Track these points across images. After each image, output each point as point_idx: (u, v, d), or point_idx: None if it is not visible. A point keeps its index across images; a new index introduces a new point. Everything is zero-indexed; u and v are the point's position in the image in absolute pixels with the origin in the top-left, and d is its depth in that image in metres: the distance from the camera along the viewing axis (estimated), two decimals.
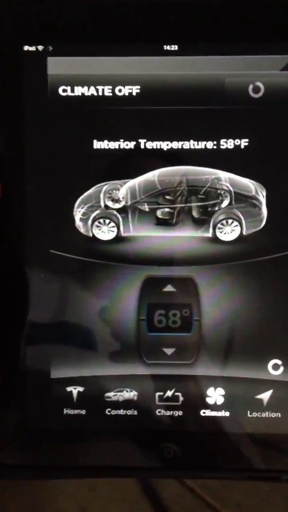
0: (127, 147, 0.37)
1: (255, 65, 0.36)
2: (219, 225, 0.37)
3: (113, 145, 0.37)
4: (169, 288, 0.37)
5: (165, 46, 0.36)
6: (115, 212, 0.38)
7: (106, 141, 0.37)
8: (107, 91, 0.37)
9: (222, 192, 0.37)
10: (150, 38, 0.36)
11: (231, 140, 0.37)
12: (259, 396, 0.37)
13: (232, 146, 0.37)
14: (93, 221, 0.37)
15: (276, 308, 0.37)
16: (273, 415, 0.37)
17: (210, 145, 0.37)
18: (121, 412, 0.37)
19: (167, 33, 0.36)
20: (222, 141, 0.37)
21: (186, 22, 0.36)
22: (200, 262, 0.37)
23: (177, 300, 0.37)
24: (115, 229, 0.38)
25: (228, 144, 0.37)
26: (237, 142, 0.37)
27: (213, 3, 0.36)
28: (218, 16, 0.36)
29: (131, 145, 0.37)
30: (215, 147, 0.37)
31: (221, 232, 0.37)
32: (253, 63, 0.36)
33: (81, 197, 0.37)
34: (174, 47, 0.36)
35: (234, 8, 0.36)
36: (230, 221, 0.37)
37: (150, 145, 0.37)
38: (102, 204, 0.38)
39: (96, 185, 0.37)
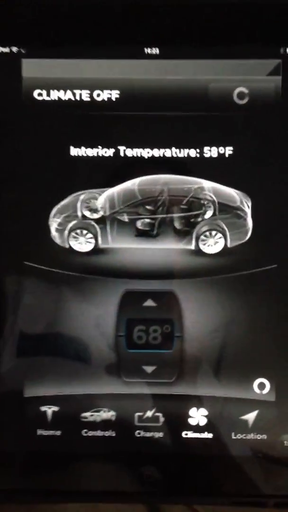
0: (105, 155, 0.35)
1: (240, 70, 0.35)
2: (202, 237, 0.36)
3: (91, 152, 0.35)
4: (149, 302, 0.35)
5: (146, 49, 0.35)
6: (93, 223, 0.36)
7: (83, 148, 0.35)
8: (85, 95, 0.35)
9: (205, 202, 0.36)
10: (131, 40, 0.34)
11: (215, 148, 0.35)
12: (244, 417, 0.35)
13: (216, 154, 0.35)
14: (70, 231, 0.35)
15: (262, 324, 0.35)
16: (259, 437, 0.35)
17: (193, 153, 0.35)
18: (98, 433, 0.35)
19: (148, 35, 0.34)
20: (205, 149, 0.35)
21: (167, 24, 0.34)
22: (182, 276, 0.35)
23: (157, 315, 0.35)
24: (93, 241, 0.36)
25: (212, 152, 0.35)
26: (221, 150, 0.35)
27: (196, 5, 0.34)
28: (202, 18, 0.34)
29: (110, 152, 0.35)
30: (198, 155, 0.35)
31: (204, 244, 0.36)
32: (238, 67, 0.35)
33: (57, 206, 0.35)
34: (156, 50, 0.35)
35: (218, 11, 0.35)
36: (213, 232, 0.36)
37: (130, 152, 0.35)
38: (79, 214, 0.36)
39: (73, 194, 0.35)
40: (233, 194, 0.35)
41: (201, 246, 0.36)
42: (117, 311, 0.35)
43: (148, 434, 0.35)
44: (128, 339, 0.35)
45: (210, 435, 0.35)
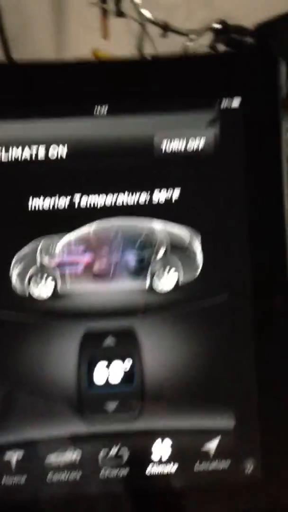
0: (62, 203, 0.37)
1: (182, 122, 0.38)
2: (155, 275, 0.38)
3: (48, 202, 0.37)
4: (109, 341, 0.37)
5: (95, 108, 0.37)
6: (51, 269, 0.38)
7: (41, 198, 0.37)
8: (41, 151, 0.37)
9: (157, 243, 0.38)
10: (79, 100, 0.37)
11: (164, 190, 0.38)
12: (206, 446, 0.37)
13: (164, 197, 0.38)
14: (30, 278, 0.37)
15: (218, 354, 0.37)
16: (221, 465, 0.37)
17: (143, 197, 0.38)
18: (64, 476, 0.35)
19: (96, 95, 0.37)
20: (155, 192, 0.38)
21: (114, 84, 0.38)
22: (139, 313, 0.37)
23: (118, 353, 0.37)
24: (52, 286, 0.37)
25: (161, 194, 0.38)
26: (170, 192, 0.38)
27: (138, 65, 0.38)
28: (146, 76, 0.38)
29: (66, 200, 0.37)
30: (148, 198, 0.38)
31: (158, 282, 0.38)
32: (180, 120, 0.38)
33: (17, 255, 0.37)
34: (104, 108, 0.38)
35: (160, 69, 0.38)
36: (166, 270, 0.38)
37: (85, 199, 0.38)
38: (38, 261, 0.37)
39: (32, 241, 0.37)
40: (183, 232, 0.38)
41: (155, 284, 0.38)
42: (78, 352, 0.36)
43: (113, 472, 0.36)
44: (89, 378, 0.36)
45: (174, 468, 0.36)
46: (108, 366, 0.37)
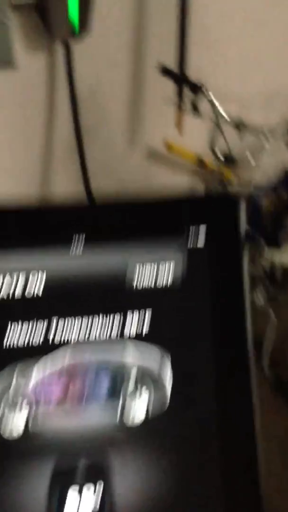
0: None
1: (153, 249, 0.41)
2: (126, 406, 0.39)
3: (26, 326, 0.39)
4: (80, 472, 0.37)
5: (73, 237, 0.40)
6: (24, 411, 0.38)
7: (19, 323, 0.38)
8: (18, 290, 0.39)
9: (128, 377, 0.39)
10: (59, 233, 0.40)
11: (136, 311, 0.40)
12: None
13: (136, 318, 0.40)
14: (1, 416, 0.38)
15: (183, 478, 0.38)
16: None
17: (117, 318, 0.39)
18: None
19: (75, 228, 0.40)
20: (128, 314, 0.40)
21: (91, 222, 0.41)
22: (110, 445, 0.38)
23: (89, 482, 0.37)
24: (23, 424, 0.38)
25: (133, 316, 0.40)
26: (141, 313, 0.40)
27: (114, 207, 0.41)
28: (121, 218, 0.41)
29: (44, 323, 0.39)
30: (121, 320, 0.39)
31: (128, 415, 0.39)
32: (151, 247, 0.41)
33: None
34: (81, 236, 0.40)
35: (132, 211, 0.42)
36: (136, 404, 0.39)
37: (62, 323, 0.39)
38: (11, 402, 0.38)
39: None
40: (152, 365, 0.39)
41: (125, 416, 0.38)
42: (49, 485, 0.36)
43: None
44: (60, 505, 0.36)
45: None
46: (79, 499, 0.37)
